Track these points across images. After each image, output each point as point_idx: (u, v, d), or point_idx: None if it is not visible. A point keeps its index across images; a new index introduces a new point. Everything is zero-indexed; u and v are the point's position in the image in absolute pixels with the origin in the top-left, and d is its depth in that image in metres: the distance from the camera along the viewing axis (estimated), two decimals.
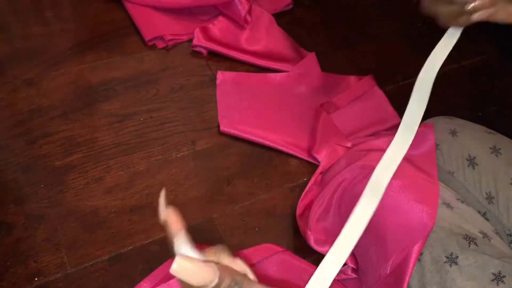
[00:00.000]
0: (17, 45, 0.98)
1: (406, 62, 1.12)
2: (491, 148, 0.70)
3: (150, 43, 1.02)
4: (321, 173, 0.85)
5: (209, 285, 0.32)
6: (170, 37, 1.02)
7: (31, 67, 0.94)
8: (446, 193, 0.69)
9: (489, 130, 0.75)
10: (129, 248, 0.75)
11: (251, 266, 0.72)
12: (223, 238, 0.78)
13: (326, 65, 1.05)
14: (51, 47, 0.98)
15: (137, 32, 1.03)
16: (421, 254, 0.62)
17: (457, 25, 0.63)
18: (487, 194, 0.69)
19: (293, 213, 0.82)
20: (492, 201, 0.68)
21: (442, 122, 0.78)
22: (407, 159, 0.74)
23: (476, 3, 0.58)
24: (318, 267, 0.47)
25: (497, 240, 0.62)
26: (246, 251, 0.75)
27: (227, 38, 1.05)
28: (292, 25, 1.13)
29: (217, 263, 0.34)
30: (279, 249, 0.76)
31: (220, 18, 1.07)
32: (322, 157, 0.87)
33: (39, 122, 0.86)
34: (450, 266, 0.59)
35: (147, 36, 1.01)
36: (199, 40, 1.02)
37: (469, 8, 0.58)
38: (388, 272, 0.64)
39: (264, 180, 0.86)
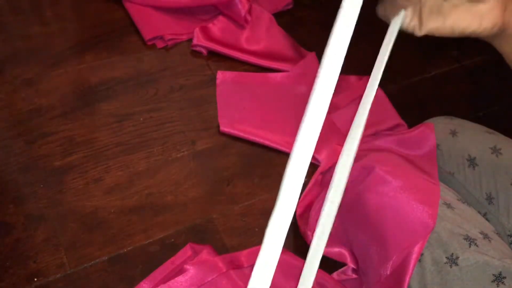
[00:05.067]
0: (17, 45, 0.97)
1: (407, 62, 1.11)
2: (491, 148, 0.70)
3: (149, 43, 1.02)
4: (321, 173, 0.85)
5: None
6: (170, 37, 1.02)
7: (30, 67, 0.94)
8: (447, 194, 0.68)
9: (490, 130, 0.75)
10: (128, 248, 0.75)
11: (251, 266, 0.72)
12: (223, 238, 0.78)
13: None
14: (50, 46, 0.98)
15: (137, 32, 1.03)
16: (421, 254, 0.61)
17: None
18: (487, 195, 0.69)
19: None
20: (492, 202, 0.68)
21: (442, 122, 0.78)
22: (407, 159, 0.74)
23: None
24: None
25: (497, 241, 0.62)
26: (246, 251, 0.75)
27: (227, 38, 1.05)
28: (292, 25, 1.13)
29: None
30: None
31: (220, 17, 1.07)
32: (323, 157, 0.87)
33: (38, 122, 0.86)
34: (451, 267, 0.59)
35: (147, 35, 1.01)
36: (199, 39, 1.02)
37: None
38: (388, 272, 0.64)
39: (264, 180, 0.86)
